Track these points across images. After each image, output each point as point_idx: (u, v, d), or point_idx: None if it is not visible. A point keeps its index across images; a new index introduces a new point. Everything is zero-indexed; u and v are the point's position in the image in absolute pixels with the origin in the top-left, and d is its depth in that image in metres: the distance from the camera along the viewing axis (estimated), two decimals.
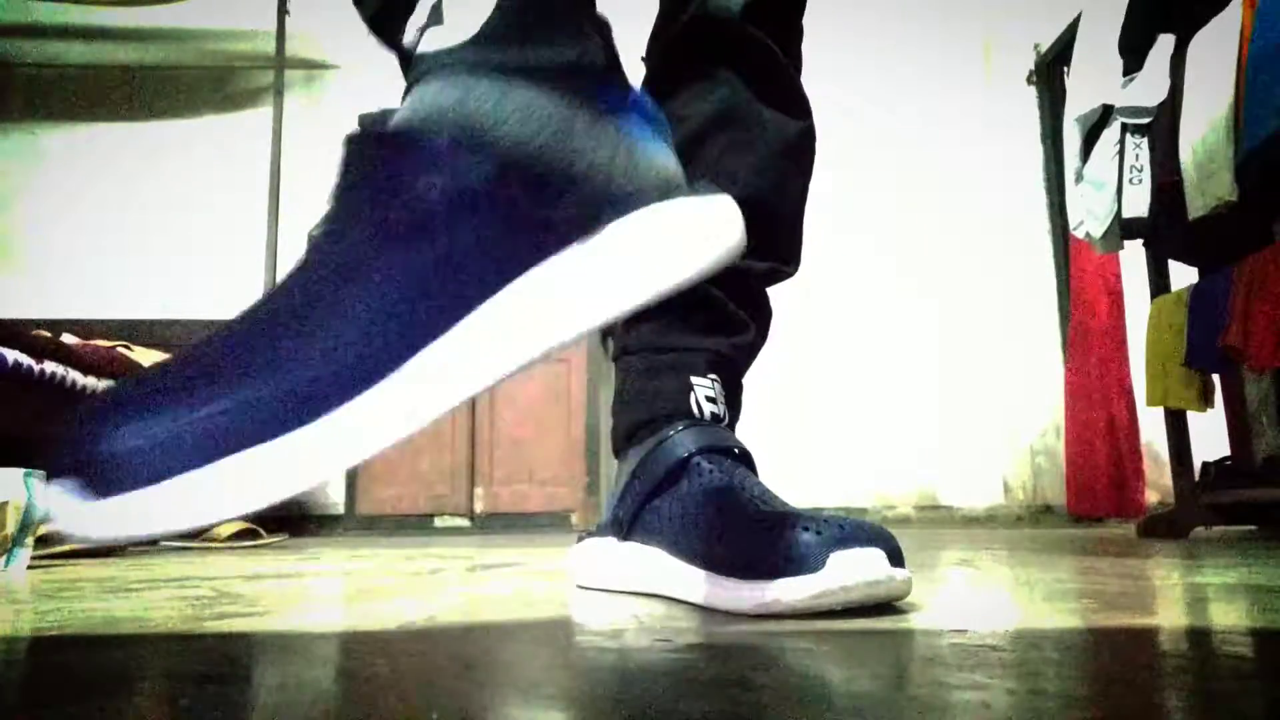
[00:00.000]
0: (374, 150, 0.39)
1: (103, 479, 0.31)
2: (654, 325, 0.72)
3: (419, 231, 0.37)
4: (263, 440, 0.32)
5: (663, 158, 0.44)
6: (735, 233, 0.43)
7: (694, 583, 0.54)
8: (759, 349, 0.74)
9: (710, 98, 0.70)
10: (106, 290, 3.38)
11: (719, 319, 0.70)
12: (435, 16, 0.42)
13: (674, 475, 0.61)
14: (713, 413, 0.66)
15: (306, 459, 0.33)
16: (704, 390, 0.67)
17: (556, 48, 0.42)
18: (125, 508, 0.31)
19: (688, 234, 0.42)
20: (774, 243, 0.73)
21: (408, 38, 0.43)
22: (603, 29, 0.45)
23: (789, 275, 0.75)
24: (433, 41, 0.41)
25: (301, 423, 0.33)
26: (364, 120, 0.41)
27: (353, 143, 0.39)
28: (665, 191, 0.42)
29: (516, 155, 0.39)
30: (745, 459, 0.64)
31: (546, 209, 0.39)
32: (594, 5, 0.45)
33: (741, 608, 0.50)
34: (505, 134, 0.39)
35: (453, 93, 0.40)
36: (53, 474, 0.32)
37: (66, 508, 0.31)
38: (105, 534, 0.31)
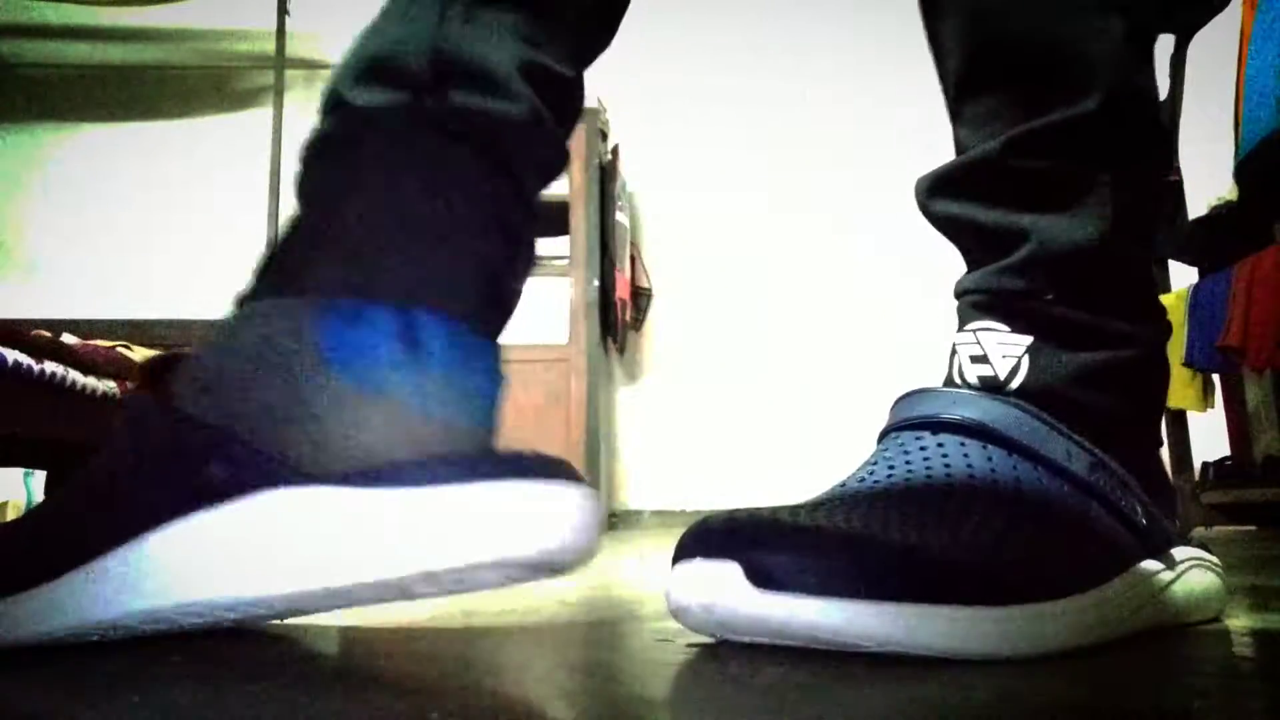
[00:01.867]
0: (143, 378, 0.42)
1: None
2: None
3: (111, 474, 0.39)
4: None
5: (409, 414, 0.36)
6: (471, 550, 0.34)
7: None
8: None
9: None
10: (106, 290, 3.37)
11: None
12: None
13: None
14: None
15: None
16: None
17: (280, 278, 0.40)
18: None
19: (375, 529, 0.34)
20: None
21: None
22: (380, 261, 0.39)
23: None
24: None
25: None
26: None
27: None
28: (402, 465, 0.35)
29: (192, 406, 0.37)
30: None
31: (203, 465, 0.36)
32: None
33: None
34: (194, 382, 0.38)
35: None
36: None
37: None
38: None
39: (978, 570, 0.35)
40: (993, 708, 0.28)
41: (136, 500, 0.37)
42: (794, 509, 0.38)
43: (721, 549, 0.35)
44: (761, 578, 0.33)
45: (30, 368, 1.75)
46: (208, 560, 0.35)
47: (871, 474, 0.42)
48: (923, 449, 0.42)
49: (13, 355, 1.72)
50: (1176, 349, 2.06)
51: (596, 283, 3.14)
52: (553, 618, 0.53)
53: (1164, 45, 2.06)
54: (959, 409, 0.43)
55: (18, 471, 1.23)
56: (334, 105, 0.45)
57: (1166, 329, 0.50)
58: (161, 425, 0.38)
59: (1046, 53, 0.47)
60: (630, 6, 0.62)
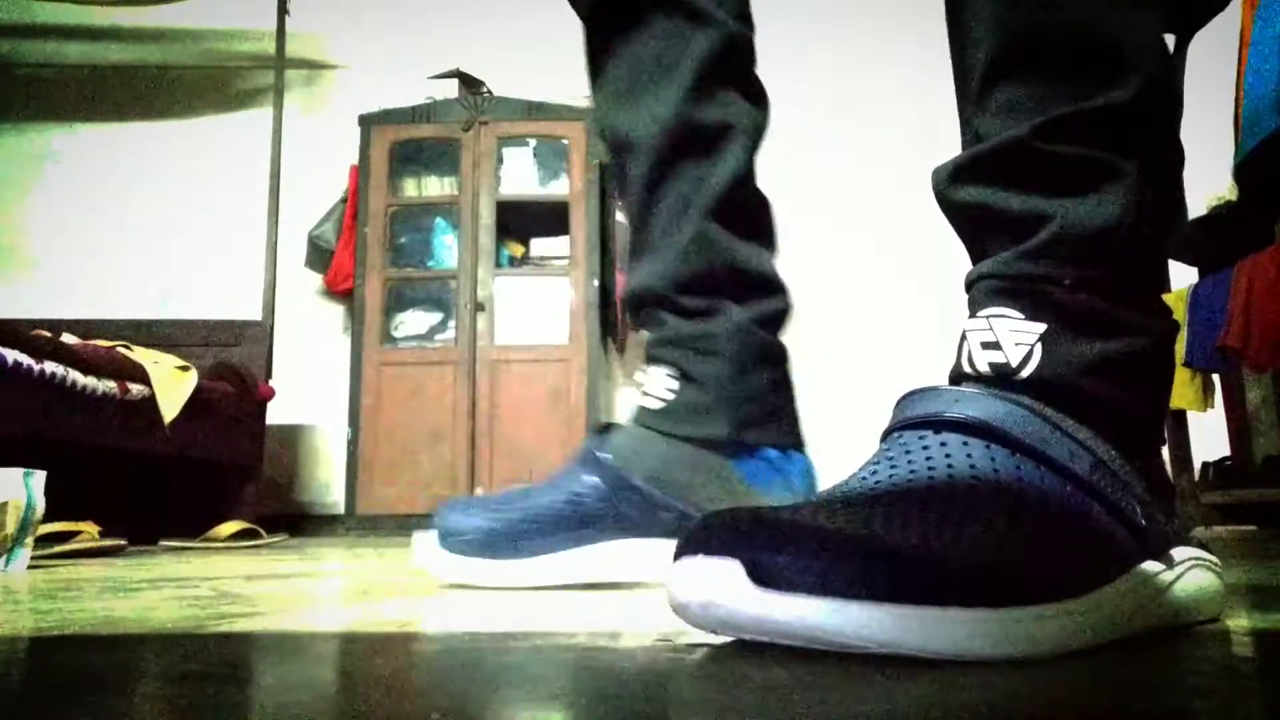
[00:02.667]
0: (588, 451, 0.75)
1: None
2: None
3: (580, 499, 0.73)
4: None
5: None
6: None
7: None
8: None
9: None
10: (106, 290, 3.38)
11: None
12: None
13: None
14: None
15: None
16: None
17: (706, 428, 0.74)
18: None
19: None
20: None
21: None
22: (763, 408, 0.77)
23: None
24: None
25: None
26: (597, 427, 0.78)
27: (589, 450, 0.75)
28: None
29: (644, 483, 0.73)
30: None
31: (645, 516, 0.73)
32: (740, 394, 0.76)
33: None
34: (648, 470, 0.73)
35: (629, 442, 0.74)
36: None
37: None
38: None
39: (980, 572, 0.35)
40: (995, 707, 0.28)
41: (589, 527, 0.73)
42: (795, 508, 0.38)
43: (723, 546, 0.35)
44: (763, 576, 0.33)
45: (30, 368, 1.75)
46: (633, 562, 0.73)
47: (874, 473, 0.41)
48: (925, 448, 0.41)
49: (13, 355, 1.72)
50: (1176, 349, 2.06)
51: (596, 283, 3.14)
52: (554, 617, 0.53)
53: None
54: (962, 407, 0.42)
55: (18, 472, 1.22)
56: (657, 304, 0.78)
57: (1175, 325, 0.50)
58: (629, 497, 0.73)
59: (1084, 42, 0.47)
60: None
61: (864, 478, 0.42)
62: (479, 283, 3.16)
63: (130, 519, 1.94)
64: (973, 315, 0.47)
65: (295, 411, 3.28)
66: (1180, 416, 2.15)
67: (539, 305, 3.17)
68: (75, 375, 1.87)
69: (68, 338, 2.10)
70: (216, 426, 2.41)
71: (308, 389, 3.33)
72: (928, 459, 0.41)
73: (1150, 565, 0.42)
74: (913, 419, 0.43)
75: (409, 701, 0.30)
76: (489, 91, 3.38)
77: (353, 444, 3.05)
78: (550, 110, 3.26)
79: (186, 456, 2.28)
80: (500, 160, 3.27)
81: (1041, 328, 0.45)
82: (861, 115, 3.50)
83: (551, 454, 3.06)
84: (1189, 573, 0.46)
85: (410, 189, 3.32)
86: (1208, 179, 2.26)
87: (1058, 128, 0.46)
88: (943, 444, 0.41)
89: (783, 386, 0.78)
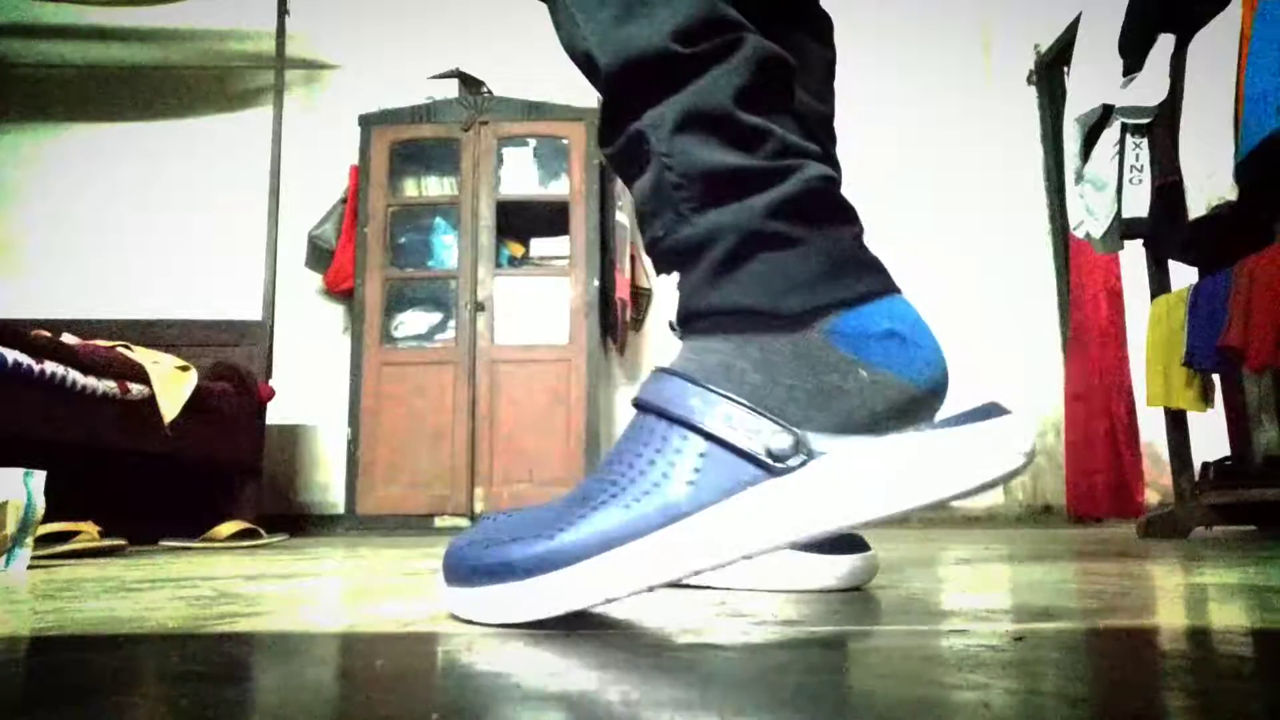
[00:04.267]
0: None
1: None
2: None
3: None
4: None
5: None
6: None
7: None
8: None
9: None
10: (106, 290, 3.38)
11: None
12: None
13: None
14: None
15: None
16: None
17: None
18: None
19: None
20: None
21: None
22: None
23: None
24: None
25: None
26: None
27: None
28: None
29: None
30: None
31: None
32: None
33: None
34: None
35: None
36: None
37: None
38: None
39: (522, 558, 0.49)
40: (991, 706, 0.28)
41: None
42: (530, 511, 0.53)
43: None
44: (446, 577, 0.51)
45: (30, 368, 1.75)
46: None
47: None
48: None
49: (13, 355, 1.72)
50: (1176, 349, 2.06)
51: (596, 283, 3.14)
52: (553, 618, 0.53)
53: (1164, 45, 2.06)
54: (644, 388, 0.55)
55: (18, 472, 1.22)
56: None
57: (728, 226, 0.56)
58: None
59: (578, 54, 0.60)
60: None
61: None
62: (479, 283, 3.16)
63: (130, 519, 1.94)
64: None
65: (295, 411, 3.28)
66: (1180, 416, 2.15)
67: (539, 305, 3.17)
68: (75, 375, 1.87)
69: (68, 338, 2.10)
70: (216, 426, 2.41)
71: (308, 389, 3.33)
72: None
73: (772, 482, 0.49)
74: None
75: (409, 701, 0.30)
76: (489, 91, 3.38)
77: (353, 444, 3.05)
78: (550, 110, 3.25)
79: (186, 456, 2.28)
80: (500, 160, 3.27)
81: (678, 277, 0.59)
82: (860, 115, 3.50)
83: (551, 454, 3.06)
84: (821, 476, 0.49)
85: (410, 189, 3.32)
86: (1208, 179, 2.26)
87: (606, 131, 0.60)
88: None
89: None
